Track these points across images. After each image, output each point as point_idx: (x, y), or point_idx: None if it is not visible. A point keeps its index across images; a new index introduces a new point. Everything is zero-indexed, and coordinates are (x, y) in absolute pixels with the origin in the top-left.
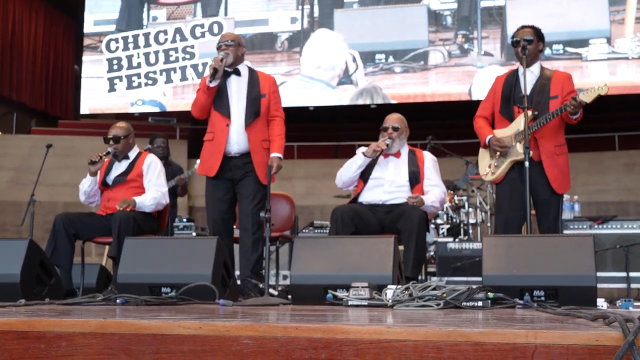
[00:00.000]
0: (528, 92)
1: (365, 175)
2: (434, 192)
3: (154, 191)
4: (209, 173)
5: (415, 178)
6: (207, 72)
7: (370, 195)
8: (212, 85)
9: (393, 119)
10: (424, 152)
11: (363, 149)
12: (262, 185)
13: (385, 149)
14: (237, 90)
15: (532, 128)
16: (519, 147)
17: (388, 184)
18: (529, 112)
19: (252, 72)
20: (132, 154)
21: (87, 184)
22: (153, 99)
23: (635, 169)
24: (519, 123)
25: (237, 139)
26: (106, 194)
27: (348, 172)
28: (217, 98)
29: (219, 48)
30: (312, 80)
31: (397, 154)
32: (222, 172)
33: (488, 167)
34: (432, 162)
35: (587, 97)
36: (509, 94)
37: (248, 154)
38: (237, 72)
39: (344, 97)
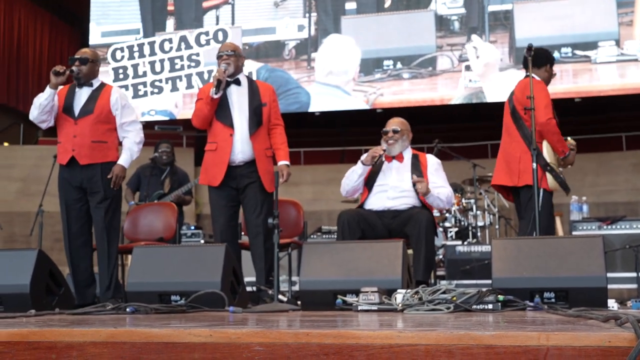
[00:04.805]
0: None
1: (370, 183)
2: (439, 189)
3: (133, 135)
4: (212, 183)
5: None
6: (211, 82)
7: (375, 201)
8: (216, 96)
9: (394, 122)
10: (427, 156)
11: (365, 155)
12: (266, 193)
13: (383, 153)
14: (238, 99)
15: None
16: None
17: (392, 190)
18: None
19: (251, 81)
20: (95, 83)
21: (44, 97)
22: (164, 109)
23: None
24: None
25: (241, 148)
26: (71, 127)
27: (350, 181)
28: (219, 108)
29: (219, 57)
30: (326, 86)
31: (400, 158)
32: (226, 180)
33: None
34: (435, 164)
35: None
36: None
37: (252, 163)
38: (237, 82)
39: (357, 102)
